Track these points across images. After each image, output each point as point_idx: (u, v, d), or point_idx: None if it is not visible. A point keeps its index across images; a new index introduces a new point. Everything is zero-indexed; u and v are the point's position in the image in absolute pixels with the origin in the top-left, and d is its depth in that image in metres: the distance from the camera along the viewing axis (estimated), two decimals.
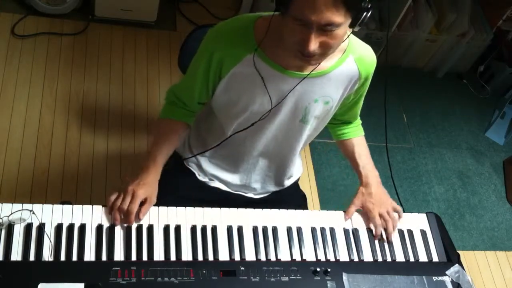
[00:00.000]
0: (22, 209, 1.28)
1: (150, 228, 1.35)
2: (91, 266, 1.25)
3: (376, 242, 1.48)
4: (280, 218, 1.46)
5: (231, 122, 1.48)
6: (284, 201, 1.71)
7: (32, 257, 1.23)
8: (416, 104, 3.30)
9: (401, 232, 1.52)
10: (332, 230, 1.47)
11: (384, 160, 1.99)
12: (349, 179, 2.76)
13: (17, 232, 1.26)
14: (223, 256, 1.35)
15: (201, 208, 1.41)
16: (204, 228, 1.38)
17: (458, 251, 1.53)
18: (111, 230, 1.32)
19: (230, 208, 1.44)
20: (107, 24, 2.94)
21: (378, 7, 3.13)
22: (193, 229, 1.37)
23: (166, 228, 1.35)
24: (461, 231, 2.80)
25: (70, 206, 1.33)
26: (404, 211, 1.60)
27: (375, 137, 2.69)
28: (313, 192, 2.68)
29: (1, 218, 1.26)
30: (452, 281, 1.43)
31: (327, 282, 1.34)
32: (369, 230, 1.50)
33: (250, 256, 1.36)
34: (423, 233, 1.53)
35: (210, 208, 1.42)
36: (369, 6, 1.15)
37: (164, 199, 1.42)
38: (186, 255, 1.32)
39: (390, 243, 1.48)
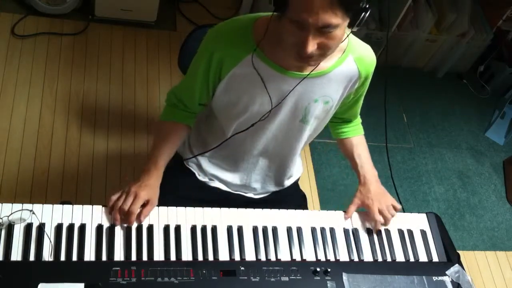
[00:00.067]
0: (22, 209, 1.28)
1: (150, 228, 1.35)
2: (91, 266, 1.25)
3: (376, 242, 1.48)
4: (280, 218, 1.46)
5: (231, 123, 1.48)
6: (284, 201, 1.71)
7: (32, 257, 1.23)
8: (416, 104, 3.30)
9: (401, 232, 1.52)
10: (332, 230, 1.47)
11: (384, 160, 1.99)
12: (349, 179, 2.76)
13: (17, 232, 1.26)
14: (223, 256, 1.35)
15: (201, 208, 1.41)
16: (204, 228, 1.38)
17: (458, 251, 1.53)
18: (111, 230, 1.32)
19: (230, 208, 1.44)
20: (107, 24, 2.95)
21: (378, 7, 3.13)
22: (193, 229, 1.37)
23: (166, 228, 1.35)
24: (461, 231, 2.80)
25: (70, 206, 1.33)
26: (404, 211, 1.60)
27: (375, 137, 2.69)
28: (313, 192, 2.68)
29: (1, 218, 1.26)
30: (452, 281, 1.43)
31: (327, 282, 1.34)
32: (369, 230, 1.50)
33: (250, 256, 1.36)
34: (423, 233, 1.53)
35: (210, 208, 1.42)
36: (367, 6, 1.15)
37: (164, 199, 1.42)
38: (186, 255, 1.32)
39: (390, 243, 1.48)
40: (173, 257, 1.31)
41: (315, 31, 1.15)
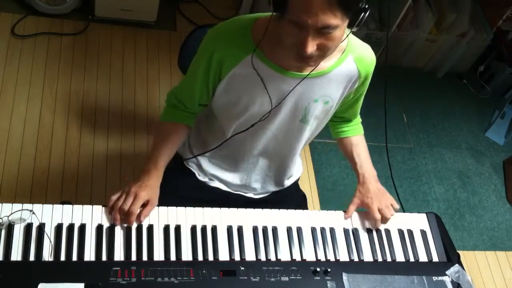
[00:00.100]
0: (22, 209, 1.28)
1: (150, 228, 1.35)
2: (91, 266, 1.25)
3: (376, 242, 1.48)
4: (280, 218, 1.46)
5: (231, 123, 1.48)
6: (284, 201, 1.71)
7: (32, 257, 1.23)
8: (416, 104, 3.30)
9: (401, 232, 1.52)
10: (332, 230, 1.47)
11: (384, 160, 1.99)
12: (349, 179, 2.76)
13: (17, 232, 1.26)
14: (223, 256, 1.35)
15: (201, 208, 1.41)
16: (204, 228, 1.38)
17: (458, 251, 1.53)
18: (111, 230, 1.32)
19: (230, 208, 1.44)
20: (107, 24, 2.95)
21: (378, 7, 3.13)
22: (193, 229, 1.37)
23: (166, 228, 1.35)
24: (461, 231, 2.80)
25: (70, 206, 1.33)
26: (404, 211, 1.60)
27: (375, 137, 2.70)
28: (313, 192, 2.68)
29: (1, 218, 1.26)
30: (452, 281, 1.43)
31: (327, 282, 1.34)
32: (369, 230, 1.50)
33: (250, 256, 1.36)
34: (423, 233, 1.53)
35: (210, 208, 1.42)
36: (366, 7, 1.15)
37: (164, 199, 1.42)
38: (186, 255, 1.32)
39: (390, 243, 1.48)
40: (173, 257, 1.31)
41: (315, 32, 1.15)
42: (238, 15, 1.71)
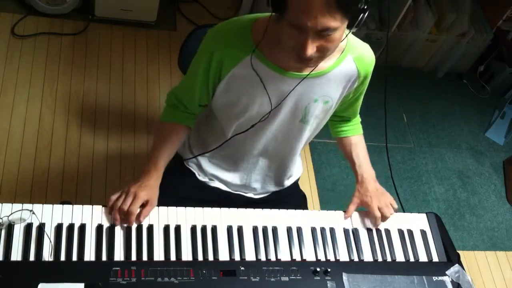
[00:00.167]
0: (22, 209, 1.28)
1: (150, 228, 1.35)
2: (91, 266, 1.25)
3: (376, 242, 1.48)
4: (280, 218, 1.46)
5: (231, 123, 1.48)
6: (284, 201, 1.71)
7: (32, 257, 1.23)
8: (416, 104, 3.30)
9: (401, 232, 1.52)
10: (332, 230, 1.47)
11: (384, 160, 1.99)
12: (349, 179, 2.76)
13: (17, 232, 1.26)
14: (223, 256, 1.35)
15: (201, 208, 1.41)
16: (204, 228, 1.38)
17: (458, 251, 1.53)
18: (111, 230, 1.32)
19: (230, 208, 1.44)
20: (107, 24, 2.95)
21: (378, 7, 3.13)
22: (193, 229, 1.37)
23: (166, 228, 1.35)
24: (461, 231, 2.80)
25: (70, 206, 1.33)
26: (404, 211, 1.60)
27: (375, 137, 2.69)
28: (313, 192, 2.68)
29: (1, 218, 1.26)
30: (452, 281, 1.43)
31: (327, 282, 1.34)
32: (369, 230, 1.50)
33: (250, 256, 1.36)
34: (423, 233, 1.53)
35: (210, 208, 1.42)
36: (365, 7, 1.15)
37: (164, 199, 1.42)
38: (186, 255, 1.32)
39: (390, 243, 1.48)
40: (173, 257, 1.31)
41: (314, 35, 1.15)
42: (238, 15, 1.72)
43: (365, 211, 1.54)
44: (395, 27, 3.03)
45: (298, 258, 1.39)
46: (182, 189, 1.62)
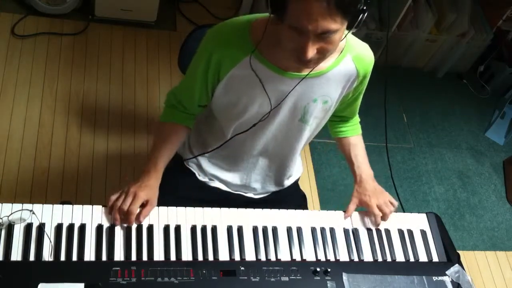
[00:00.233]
0: (22, 209, 1.28)
1: (150, 228, 1.35)
2: (91, 266, 1.25)
3: (376, 242, 1.48)
4: (280, 218, 1.46)
5: (230, 124, 1.48)
6: (284, 201, 1.71)
7: (32, 257, 1.23)
8: (416, 104, 3.30)
9: (401, 232, 1.52)
10: (332, 230, 1.47)
11: (384, 160, 1.99)
12: (349, 179, 2.74)
13: (17, 232, 1.26)
14: (223, 256, 1.35)
15: (201, 208, 1.41)
16: (204, 228, 1.38)
17: (458, 251, 1.53)
18: (111, 230, 1.32)
19: (230, 208, 1.44)
20: (107, 24, 2.95)
21: (378, 7, 3.13)
22: (193, 229, 1.37)
23: (166, 228, 1.35)
24: (461, 231, 2.80)
25: (70, 206, 1.33)
26: (404, 211, 1.60)
27: (375, 137, 2.70)
28: (313, 192, 2.68)
29: (1, 218, 1.26)
30: (452, 281, 1.43)
31: (327, 282, 1.34)
32: (369, 230, 1.50)
33: (250, 256, 1.36)
34: (423, 233, 1.53)
35: (210, 208, 1.42)
36: (364, 8, 1.15)
37: (164, 199, 1.42)
38: (186, 255, 1.32)
39: (390, 243, 1.48)
40: (173, 257, 1.31)
41: (315, 37, 1.15)
42: (238, 15, 1.71)
43: (365, 211, 1.54)
44: (395, 27, 3.03)
45: (298, 258, 1.39)
46: (182, 189, 1.62)
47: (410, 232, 1.52)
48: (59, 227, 1.29)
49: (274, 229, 1.43)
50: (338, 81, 1.40)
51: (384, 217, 1.51)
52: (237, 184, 1.67)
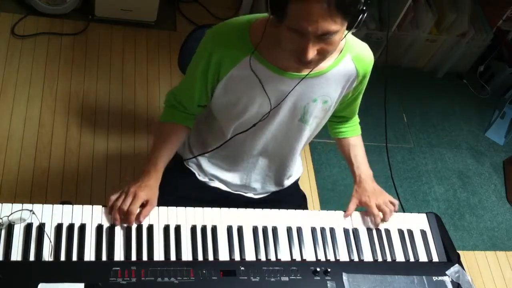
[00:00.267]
0: (22, 209, 1.28)
1: (150, 228, 1.35)
2: (91, 266, 1.25)
3: (376, 242, 1.48)
4: (280, 218, 1.46)
5: (230, 124, 1.48)
6: (284, 201, 1.71)
7: (32, 257, 1.23)
8: (416, 104, 3.30)
9: (401, 232, 1.52)
10: (332, 230, 1.47)
11: (384, 160, 1.99)
12: (349, 179, 2.74)
13: (17, 232, 1.26)
14: (223, 256, 1.35)
15: (201, 208, 1.41)
16: (204, 228, 1.38)
17: (458, 251, 1.53)
18: (111, 230, 1.32)
19: (230, 208, 1.44)
20: (107, 24, 2.95)
21: (378, 7, 3.13)
22: (193, 229, 1.37)
23: (166, 228, 1.35)
24: (461, 231, 2.80)
25: (70, 206, 1.33)
26: (404, 211, 1.60)
27: (375, 137, 2.70)
28: (313, 192, 2.68)
29: (1, 218, 1.26)
30: (452, 281, 1.43)
31: (327, 282, 1.34)
32: (369, 230, 1.50)
33: (250, 256, 1.36)
34: (423, 233, 1.53)
35: (210, 208, 1.42)
36: (364, 8, 1.15)
37: (164, 199, 1.42)
38: (186, 255, 1.32)
39: (390, 243, 1.48)
40: (173, 257, 1.31)
41: (315, 38, 1.15)
42: (238, 15, 1.71)
43: (365, 211, 1.54)
44: (395, 27, 3.03)
45: (298, 258, 1.39)
46: (182, 189, 1.62)
47: (410, 232, 1.52)
48: (59, 227, 1.29)
49: (274, 229, 1.43)
50: (337, 81, 1.40)
51: (384, 217, 1.51)
52: (237, 184, 1.67)
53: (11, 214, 1.27)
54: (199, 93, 1.43)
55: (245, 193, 1.70)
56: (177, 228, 1.36)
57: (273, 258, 1.38)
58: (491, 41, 3.31)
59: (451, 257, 1.50)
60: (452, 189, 2.96)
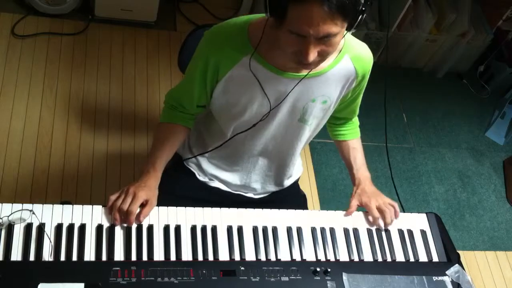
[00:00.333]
0: (22, 209, 1.28)
1: (150, 228, 1.35)
2: (91, 266, 1.25)
3: (376, 242, 1.48)
4: (280, 218, 1.46)
5: (230, 124, 1.48)
6: (284, 201, 1.71)
7: (32, 257, 1.23)
8: (416, 104, 3.30)
9: (401, 232, 1.52)
10: (332, 230, 1.47)
11: (384, 160, 1.99)
12: (349, 179, 2.73)
13: (17, 232, 1.26)
14: (223, 256, 1.35)
15: (201, 208, 1.41)
16: (204, 228, 1.38)
17: (458, 251, 1.53)
18: (111, 230, 1.32)
19: (230, 208, 1.44)
20: (107, 24, 2.95)
21: (378, 7, 3.13)
22: (193, 229, 1.37)
23: (166, 228, 1.35)
24: (461, 231, 2.80)
25: (70, 206, 1.33)
26: (404, 211, 1.60)
27: (375, 137, 2.70)
28: (313, 192, 2.68)
29: (1, 218, 1.26)
30: (452, 281, 1.43)
31: (327, 282, 1.34)
32: (369, 230, 1.50)
33: (250, 256, 1.36)
34: (423, 233, 1.53)
35: (210, 208, 1.42)
36: (363, 9, 1.15)
37: (164, 199, 1.42)
38: (186, 255, 1.32)
39: (390, 243, 1.48)
40: (173, 257, 1.31)
41: (315, 40, 1.15)
42: (238, 15, 1.71)
43: (365, 211, 1.54)
44: (395, 27, 3.03)
45: (298, 258, 1.39)
46: (182, 189, 1.63)
47: (410, 232, 1.52)
48: (59, 227, 1.29)
49: (274, 229, 1.43)
50: (337, 81, 1.40)
51: (385, 217, 1.51)
52: (237, 184, 1.67)
53: (11, 214, 1.27)
54: (198, 94, 1.43)
55: (245, 193, 1.70)
56: (177, 228, 1.36)
57: (273, 258, 1.38)
58: (491, 41, 3.31)
59: (451, 257, 1.50)
60: (452, 189, 2.96)
